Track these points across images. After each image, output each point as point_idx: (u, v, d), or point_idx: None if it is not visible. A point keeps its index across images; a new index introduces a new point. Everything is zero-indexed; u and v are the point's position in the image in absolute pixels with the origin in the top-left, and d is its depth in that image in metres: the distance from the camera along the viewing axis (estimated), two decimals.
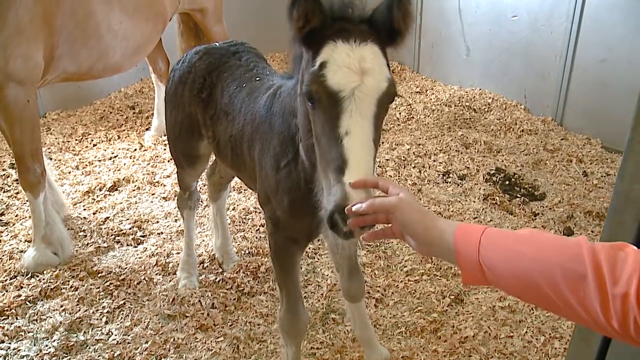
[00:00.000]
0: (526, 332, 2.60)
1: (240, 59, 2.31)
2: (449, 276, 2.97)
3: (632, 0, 4.01)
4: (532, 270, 0.97)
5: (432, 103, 5.22)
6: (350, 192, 1.24)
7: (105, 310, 2.75)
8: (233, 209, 3.61)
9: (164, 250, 3.22)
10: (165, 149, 4.39)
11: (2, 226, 3.51)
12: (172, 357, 2.49)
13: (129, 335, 2.61)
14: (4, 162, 4.28)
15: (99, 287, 2.90)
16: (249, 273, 2.99)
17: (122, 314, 2.75)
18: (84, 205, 3.72)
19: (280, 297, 2.10)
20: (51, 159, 4.28)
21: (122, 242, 3.33)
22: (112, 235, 3.38)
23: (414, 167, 4.09)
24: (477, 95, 5.31)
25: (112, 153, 4.43)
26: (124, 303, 2.81)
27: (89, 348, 2.55)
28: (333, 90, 1.30)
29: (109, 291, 2.88)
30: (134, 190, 3.89)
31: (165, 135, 4.19)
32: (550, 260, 0.95)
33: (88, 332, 2.64)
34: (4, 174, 4.11)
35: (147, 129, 4.82)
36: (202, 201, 3.25)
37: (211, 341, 2.56)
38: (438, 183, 3.90)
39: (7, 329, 2.62)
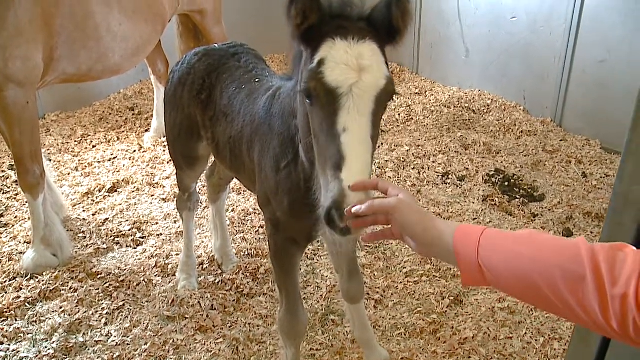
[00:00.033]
0: (525, 333, 2.60)
1: (239, 61, 2.31)
2: (448, 277, 2.97)
3: (631, 2, 4.01)
4: (531, 271, 0.97)
5: (431, 104, 5.22)
6: (348, 190, 1.23)
7: (105, 312, 2.75)
8: (232, 210, 3.61)
9: (164, 252, 3.22)
10: (164, 151, 4.39)
11: (1, 227, 3.51)
12: (171, 359, 2.49)
13: (128, 337, 2.61)
14: (3, 163, 4.28)
15: (98, 289, 2.90)
16: (248, 274, 2.99)
17: (122, 315, 2.75)
18: (83, 207, 3.72)
19: (280, 298, 2.10)
20: (50, 160, 4.28)
21: (121, 244, 3.32)
22: (111, 237, 3.37)
23: (413, 168, 4.09)
24: (477, 97, 5.31)
25: (112, 154, 4.43)
26: (123, 304, 2.81)
27: (88, 349, 2.55)
28: (331, 87, 1.30)
29: (109, 292, 2.88)
30: (133, 191, 3.89)
31: (164, 137, 4.19)
32: (550, 261, 0.96)
33: (87, 333, 2.64)
34: (3, 176, 4.11)
35: (146, 131, 4.82)
36: (201, 202, 3.24)
37: (210, 342, 2.56)
38: (437, 184, 3.90)
39: (7, 331, 2.62)
